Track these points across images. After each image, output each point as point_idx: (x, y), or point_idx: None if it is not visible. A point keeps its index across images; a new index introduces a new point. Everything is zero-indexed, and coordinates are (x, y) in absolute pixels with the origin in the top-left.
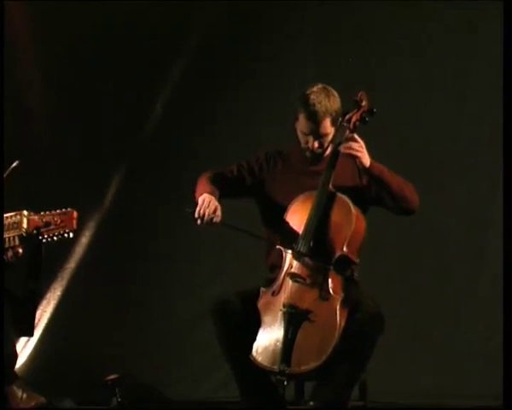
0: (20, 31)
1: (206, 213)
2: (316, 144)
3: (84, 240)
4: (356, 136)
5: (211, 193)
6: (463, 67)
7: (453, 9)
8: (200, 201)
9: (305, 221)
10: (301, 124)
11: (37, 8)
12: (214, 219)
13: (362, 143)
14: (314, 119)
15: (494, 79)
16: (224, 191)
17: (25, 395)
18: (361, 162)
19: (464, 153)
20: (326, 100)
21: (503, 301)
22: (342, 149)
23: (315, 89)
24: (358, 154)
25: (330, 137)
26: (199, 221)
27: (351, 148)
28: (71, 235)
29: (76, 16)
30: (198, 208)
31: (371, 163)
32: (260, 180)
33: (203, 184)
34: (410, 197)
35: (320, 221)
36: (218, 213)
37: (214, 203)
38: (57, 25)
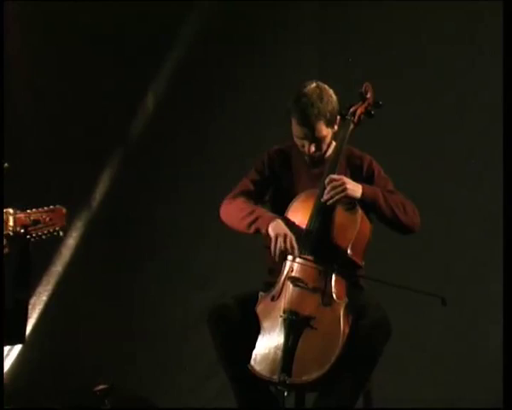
0: (15, 29)
1: (284, 248)
2: (312, 148)
3: (72, 242)
4: (332, 176)
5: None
6: (463, 67)
7: (453, 9)
8: (273, 236)
9: (306, 221)
10: (295, 129)
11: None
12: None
13: (342, 178)
14: (307, 123)
15: (494, 79)
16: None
17: None
18: (351, 197)
19: (465, 153)
20: (318, 102)
21: (503, 302)
22: (324, 199)
23: (306, 90)
24: (344, 193)
25: (328, 139)
26: (277, 259)
27: (336, 193)
28: (61, 233)
29: (73, 14)
30: (273, 245)
31: (363, 190)
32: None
33: (263, 212)
34: (405, 221)
35: (322, 222)
36: (294, 244)
37: (289, 236)
38: (54, 22)
